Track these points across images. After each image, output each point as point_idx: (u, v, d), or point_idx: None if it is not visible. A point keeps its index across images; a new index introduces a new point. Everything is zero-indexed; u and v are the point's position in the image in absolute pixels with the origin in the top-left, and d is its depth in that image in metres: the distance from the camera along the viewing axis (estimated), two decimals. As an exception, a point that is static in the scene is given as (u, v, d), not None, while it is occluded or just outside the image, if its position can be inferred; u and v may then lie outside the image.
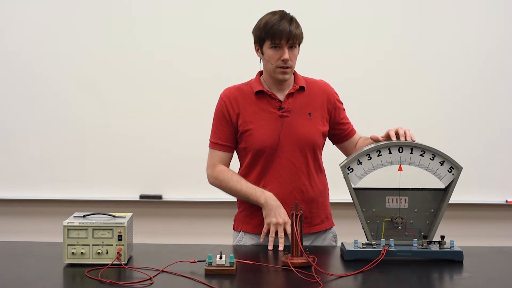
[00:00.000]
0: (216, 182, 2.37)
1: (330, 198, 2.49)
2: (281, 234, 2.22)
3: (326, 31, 3.62)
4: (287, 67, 2.27)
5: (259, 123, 2.32)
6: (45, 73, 3.64)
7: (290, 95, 2.35)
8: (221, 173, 2.36)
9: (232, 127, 2.35)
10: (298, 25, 2.27)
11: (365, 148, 2.12)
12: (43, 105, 3.65)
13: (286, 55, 2.24)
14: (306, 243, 2.29)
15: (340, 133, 2.45)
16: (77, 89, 3.65)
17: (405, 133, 2.12)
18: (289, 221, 2.21)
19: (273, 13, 2.29)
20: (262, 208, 2.28)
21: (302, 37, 2.29)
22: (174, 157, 3.65)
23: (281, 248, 2.19)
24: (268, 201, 2.26)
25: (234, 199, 2.45)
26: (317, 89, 2.40)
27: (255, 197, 2.29)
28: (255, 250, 2.27)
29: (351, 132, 2.47)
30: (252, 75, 2.42)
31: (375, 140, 2.18)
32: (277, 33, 2.22)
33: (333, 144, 2.50)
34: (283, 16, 2.26)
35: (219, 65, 3.57)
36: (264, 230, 2.26)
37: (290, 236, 2.16)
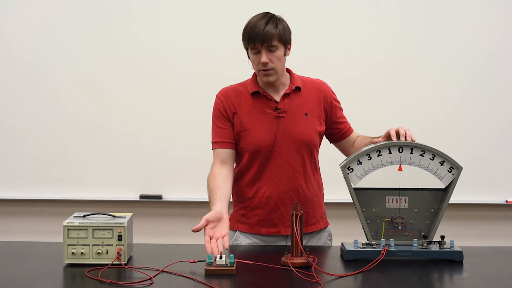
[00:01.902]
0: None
1: (326, 198, 2.49)
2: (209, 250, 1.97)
3: (326, 30, 3.62)
4: (268, 69, 2.26)
5: (255, 124, 2.32)
6: (45, 73, 3.64)
7: (286, 95, 2.34)
8: (209, 178, 2.27)
9: (231, 123, 2.35)
10: (277, 25, 2.22)
11: (365, 148, 2.12)
12: (43, 105, 3.65)
13: (263, 59, 2.23)
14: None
15: (336, 132, 2.45)
16: (77, 89, 3.65)
17: (405, 133, 2.12)
18: (221, 237, 2.00)
19: (255, 15, 2.27)
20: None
21: (283, 37, 2.23)
22: (174, 157, 3.65)
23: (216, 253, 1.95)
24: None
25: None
26: (314, 89, 2.40)
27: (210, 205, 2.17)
28: (255, 250, 2.27)
29: (348, 131, 2.46)
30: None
31: (378, 141, 2.18)
32: (251, 38, 2.22)
33: (330, 142, 2.50)
34: (261, 18, 2.23)
35: (219, 65, 3.57)
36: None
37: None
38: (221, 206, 2.14)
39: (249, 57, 2.31)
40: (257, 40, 2.20)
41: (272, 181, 2.33)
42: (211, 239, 1.99)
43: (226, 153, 2.35)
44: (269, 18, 2.23)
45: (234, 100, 2.35)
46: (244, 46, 2.30)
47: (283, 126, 2.31)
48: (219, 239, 1.98)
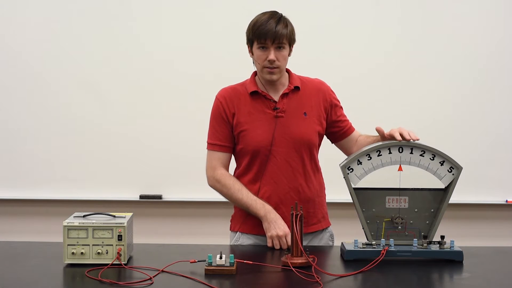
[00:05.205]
0: (217, 185, 2.36)
1: (327, 198, 2.49)
2: (284, 245, 2.23)
3: (326, 31, 3.62)
4: (274, 68, 2.27)
5: (253, 124, 2.32)
6: (45, 73, 3.64)
7: (284, 95, 2.34)
8: (222, 177, 2.35)
9: (230, 126, 2.35)
10: (286, 25, 2.25)
11: (365, 148, 2.12)
12: (43, 105, 3.65)
13: (271, 56, 2.24)
14: (303, 243, 2.29)
15: (337, 131, 2.45)
16: (77, 89, 3.65)
17: (408, 134, 2.10)
18: (289, 232, 2.19)
19: (264, 13, 2.29)
20: (262, 221, 2.29)
21: (291, 37, 2.28)
22: (174, 157, 3.65)
23: None
24: (267, 214, 2.27)
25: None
26: (313, 88, 2.40)
27: (255, 209, 2.29)
28: (255, 250, 2.27)
29: (349, 129, 2.46)
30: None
31: (380, 131, 2.19)
32: (262, 34, 2.22)
33: (332, 142, 2.50)
34: (271, 16, 2.25)
35: (219, 65, 3.57)
36: (268, 244, 2.27)
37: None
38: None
39: (251, 53, 2.31)
40: (268, 36, 2.22)
41: (272, 181, 2.33)
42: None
43: (227, 156, 2.39)
44: (279, 17, 2.26)
45: (233, 101, 2.35)
46: (249, 41, 2.29)
47: (281, 125, 2.31)
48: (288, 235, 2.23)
